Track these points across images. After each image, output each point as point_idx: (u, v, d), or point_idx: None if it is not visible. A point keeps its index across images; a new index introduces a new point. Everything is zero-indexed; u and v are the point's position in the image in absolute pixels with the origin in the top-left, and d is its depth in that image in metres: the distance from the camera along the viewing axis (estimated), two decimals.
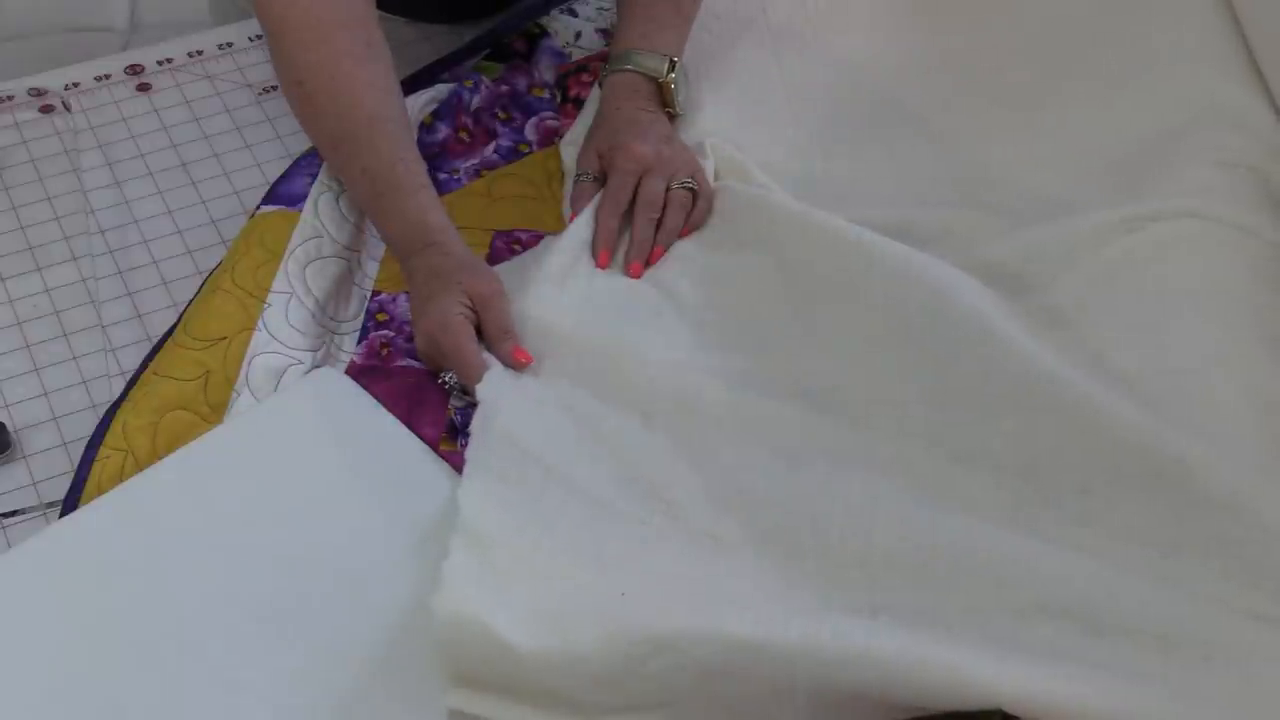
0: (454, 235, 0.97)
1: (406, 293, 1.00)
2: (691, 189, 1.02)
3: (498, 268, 1.01)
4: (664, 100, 1.08)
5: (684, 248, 1.01)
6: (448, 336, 0.91)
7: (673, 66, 1.06)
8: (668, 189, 1.02)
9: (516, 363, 0.91)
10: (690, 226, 1.02)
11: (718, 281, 0.98)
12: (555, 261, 0.98)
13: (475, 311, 0.92)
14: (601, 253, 0.99)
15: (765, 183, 1.03)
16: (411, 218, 0.96)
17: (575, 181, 1.05)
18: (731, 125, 1.10)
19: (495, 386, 0.91)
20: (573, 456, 0.87)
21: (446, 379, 0.93)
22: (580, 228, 1.01)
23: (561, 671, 0.74)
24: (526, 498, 0.85)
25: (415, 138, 1.05)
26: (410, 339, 0.97)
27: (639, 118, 1.05)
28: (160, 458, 0.88)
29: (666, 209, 1.01)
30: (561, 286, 0.97)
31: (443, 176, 1.09)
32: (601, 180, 1.04)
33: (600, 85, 1.09)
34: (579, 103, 1.16)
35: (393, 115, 1.00)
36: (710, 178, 1.04)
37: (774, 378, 0.92)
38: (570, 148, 1.12)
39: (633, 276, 0.98)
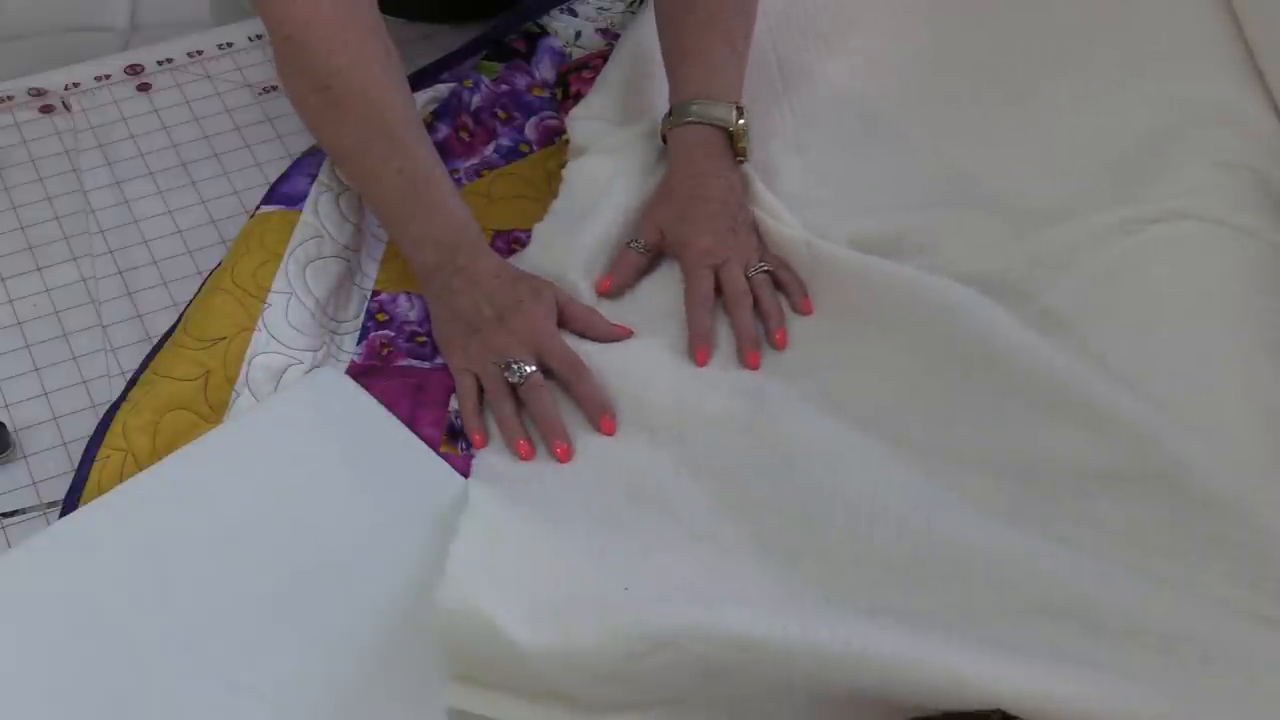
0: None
1: (407, 293, 1.00)
2: (768, 271, 0.99)
3: None
4: (734, 149, 1.03)
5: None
6: (556, 342, 0.93)
7: (740, 113, 1.03)
8: (747, 275, 0.98)
9: (622, 335, 0.95)
10: (793, 300, 0.98)
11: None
12: (562, 266, 0.99)
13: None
14: (700, 350, 0.94)
15: (768, 199, 1.03)
16: (459, 216, 0.97)
17: (626, 247, 1.01)
18: None
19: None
20: (578, 468, 0.88)
21: (522, 367, 0.91)
22: (583, 233, 1.01)
23: (562, 667, 0.75)
24: (533, 505, 0.85)
25: None
26: (410, 338, 0.98)
27: (706, 190, 1.01)
28: (160, 458, 0.88)
29: (757, 294, 0.97)
30: (572, 290, 0.98)
31: None
32: (652, 254, 1.01)
33: (663, 139, 1.06)
34: (580, 100, 1.16)
35: (419, 121, 1.01)
36: None
37: (775, 382, 0.92)
38: (579, 123, 1.11)
39: (752, 368, 0.94)
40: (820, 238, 0.99)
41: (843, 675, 0.71)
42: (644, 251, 1.01)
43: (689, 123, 1.03)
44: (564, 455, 0.89)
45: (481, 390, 0.93)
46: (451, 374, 0.95)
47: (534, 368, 0.91)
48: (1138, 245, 0.95)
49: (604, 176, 1.05)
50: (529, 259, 1.01)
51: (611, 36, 1.22)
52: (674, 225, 1.01)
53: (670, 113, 1.05)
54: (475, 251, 0.96)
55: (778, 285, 0.99)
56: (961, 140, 1.09)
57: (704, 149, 1.03)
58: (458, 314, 0.95)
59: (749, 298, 0.97)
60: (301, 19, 0.97)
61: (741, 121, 1.03)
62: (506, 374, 0.91)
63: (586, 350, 0.94)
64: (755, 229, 1.02)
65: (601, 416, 0.90)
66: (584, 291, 0.99)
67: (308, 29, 0.97)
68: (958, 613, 0.77)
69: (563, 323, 0.95)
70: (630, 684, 0.75)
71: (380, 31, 1.00)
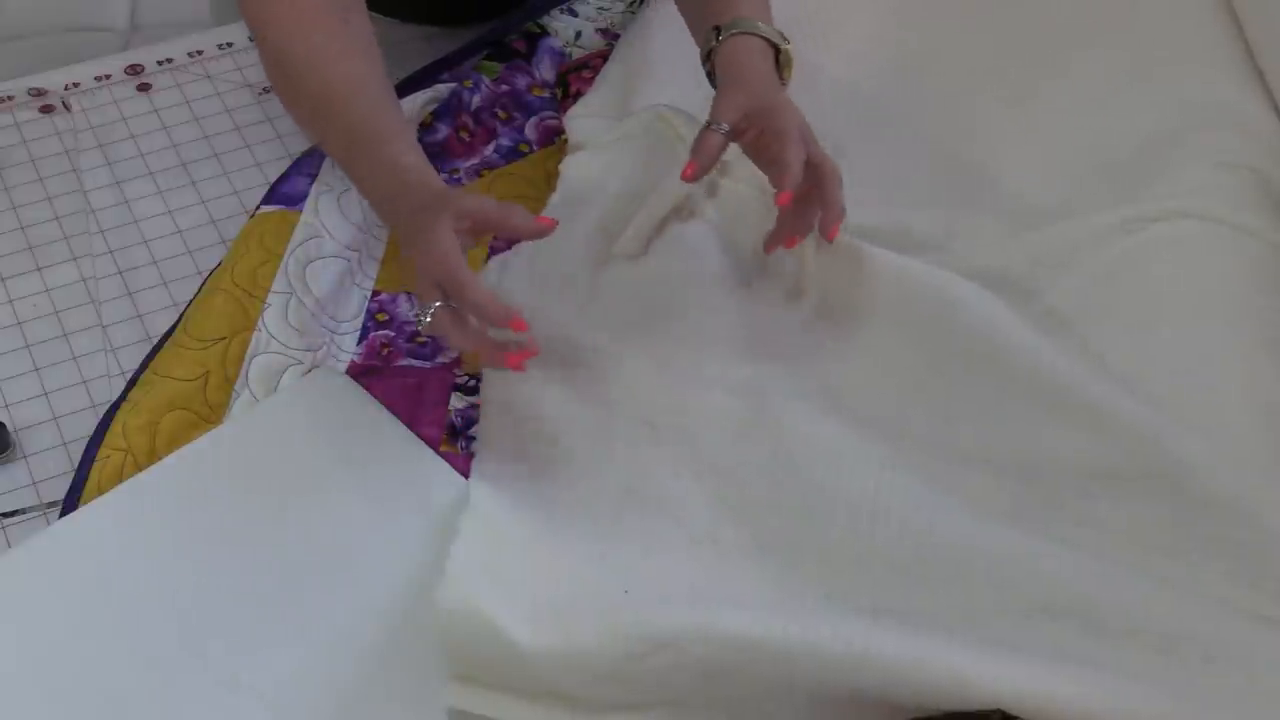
0: (433, 174, 0.92)
1: (407, 293, 1.00)
2: None
3: (495, 259, 1.02)
4: (780, 73, 0.98)
5: (695, 253, 1.01)
6: (442, 267, 0.83)
7: (784, 38, 0.98)
8: None
9: (544, 228, 0.87)
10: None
11: (721, 285, 0.98)
12: (560, 260, 0.99)
13: (472, 229, 0.87)
14: (787, 193, 0.88)
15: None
16: (388, 162, 0.92)
17: (707, 129, 0.92)
18: None
19: (499, 399, 0.91)
20: (579, 468, 0.88)
21: (426, 312, 0.84)
22: (580, 223, 1.01)
23: (562, 667, 0.75)
24: (533, 505, 0.85)
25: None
26: (410, 339, 0.98)
27: (773, 78, 0.96)
28: (160, 458, 0.88)
29: None
30: (570, 286, 0.97)
31: (443, 176, 1.08)
32: (731, 137, 0.93)
33: (710, 56, 0.98)
34: (580, 99, 1.15)
35: (371, 75, 0.96)
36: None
37: (776, 382, 0.92)
38: (578, 121, 1.11)
39: (829, 241, 0.91)
40: None
41: (844, 675, 0.71)
42: (725, 133, 0.92)
43: (739, 33, 0.96)
44: (516, 363, 0.83)
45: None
46: None
47: (437, 304, 0.84)
48: (1138, 244, 0.95)
49: (598, 168, 1.05)
50: (526, 251, 1.01)
51: (611, 36, 1.22)
52: (759, 96, 0.93)
53: (716, 33, 0.97)
54: (405, 194, 0.90)
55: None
56: (962, 141, 1.09)
57: (761, 55, 0.96)
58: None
59: (840, 176, 0.92)
60: (275, 19, 0.97)
61: (789, 45, 0.98)
62: (429, 320, 0.85)
63: (591, 328, 0.93)
64: None
65: (510, 322, 0.82)
66: (583, 283, 0.98)
67: (280, 27, 0.97)
68: (959, 613, 0.77)
69: (486, 231, 0.88)
70: (630, 684, 0.75)
71: (361, 29, 0.98)
